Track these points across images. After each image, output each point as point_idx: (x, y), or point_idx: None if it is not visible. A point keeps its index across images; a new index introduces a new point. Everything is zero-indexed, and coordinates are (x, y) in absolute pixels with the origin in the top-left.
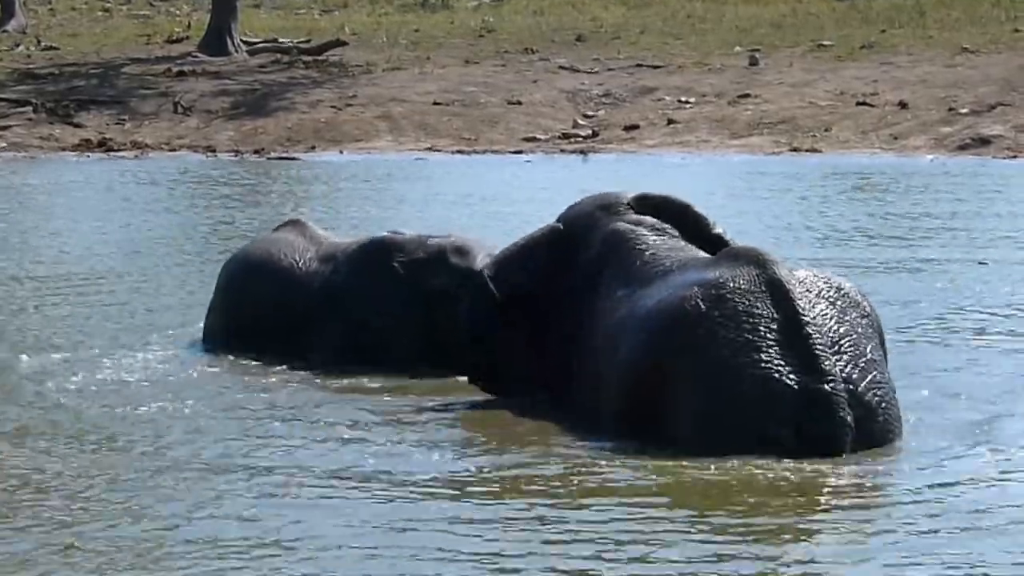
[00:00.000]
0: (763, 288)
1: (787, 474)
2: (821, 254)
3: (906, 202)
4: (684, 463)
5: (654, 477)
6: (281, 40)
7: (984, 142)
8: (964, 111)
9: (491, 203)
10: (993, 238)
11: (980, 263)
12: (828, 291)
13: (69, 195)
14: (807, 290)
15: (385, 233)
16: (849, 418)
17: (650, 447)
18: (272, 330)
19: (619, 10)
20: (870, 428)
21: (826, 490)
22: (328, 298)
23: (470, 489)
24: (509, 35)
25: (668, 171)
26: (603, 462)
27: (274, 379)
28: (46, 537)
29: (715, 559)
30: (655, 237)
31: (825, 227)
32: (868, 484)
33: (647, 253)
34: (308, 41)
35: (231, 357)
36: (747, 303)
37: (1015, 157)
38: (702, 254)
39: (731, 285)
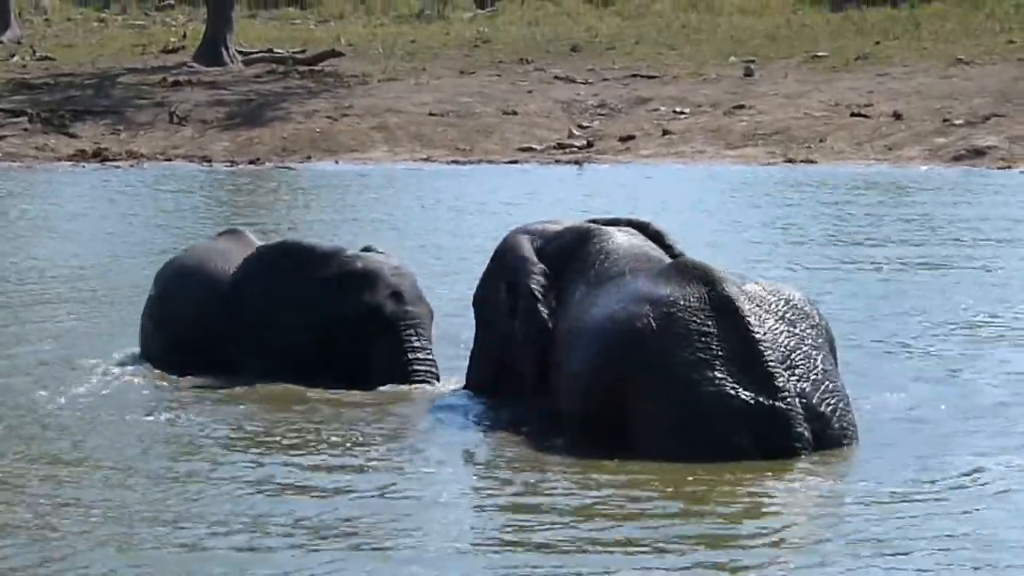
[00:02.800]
0: (714, 306)
1: (744, 479)
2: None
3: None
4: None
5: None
6: (277, 50)
7: (979, 153)
8: (959, 122)
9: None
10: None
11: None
12: (778, 305)
13: (54, 205)
14: (757, 306)
15: (293, 239)
16: (807, 432)
17: (608, 456)
18: (197, 340)
19: (614, 20)
20: (827, 437)
21: (782, 495)
22: (236, 307)
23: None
24: (504, 45)
25: (663, 181)
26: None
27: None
28: None
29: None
30: (615, 237)
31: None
32: (823, 489)
33: (604, 253)
34: (304, 51)
35: (156, 370)
36: (698, 321)
37: (1009, 168)
38: (658, 255)
39: (682, 303)
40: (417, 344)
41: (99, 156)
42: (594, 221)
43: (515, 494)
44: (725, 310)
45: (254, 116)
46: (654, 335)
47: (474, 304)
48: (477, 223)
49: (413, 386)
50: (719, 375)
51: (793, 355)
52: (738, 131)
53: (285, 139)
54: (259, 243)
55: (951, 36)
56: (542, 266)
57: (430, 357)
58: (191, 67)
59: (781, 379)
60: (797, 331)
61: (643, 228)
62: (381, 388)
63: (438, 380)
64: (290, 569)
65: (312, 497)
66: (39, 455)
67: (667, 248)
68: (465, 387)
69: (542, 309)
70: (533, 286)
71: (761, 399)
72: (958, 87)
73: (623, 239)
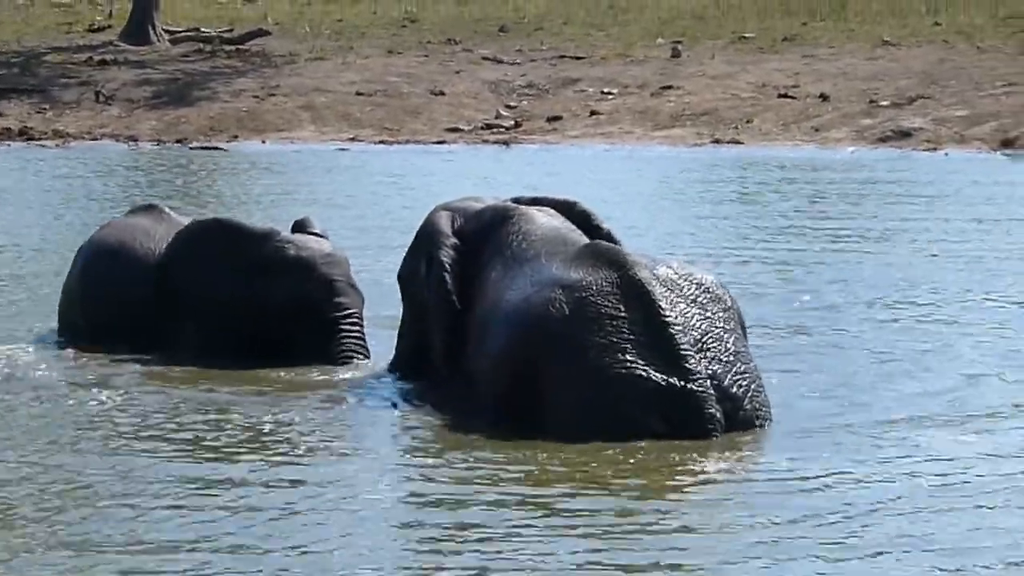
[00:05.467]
0: (625, 290)
1: (656, 457)
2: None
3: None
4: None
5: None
6: (204, 29)
7: (905, 135)
8: (885, 103)
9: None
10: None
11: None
12: (689, 288)
13: None
14: (668, 289)
15: (225, 218)
16: (718, 413)
17: (521, 438)
18: (126, 317)
19: (542, 1)
20: (740, 418)
21: (693, 473)
22: (164, 286)
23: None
24: (432, 25)
25: (590, 162)
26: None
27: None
28: None
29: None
30: (535, 217)
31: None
32: (735, 467)
33: (522, 234)
34: (231, 31)
35: (79, 349)
36: (609, 305)
37: (935, 150)
38: (576, 237)
39: (594, 287)
40: (348, 331)
41: (25, 135)
42: (518, 200)
43: (423, 478)
44: (636, 293)
45: (181, 95)
46: (566, 319)
47: (399, 280)
48: (402, 202)
49: (340, 365)
50: (630, 358)
51: (704, 338)
52: (666, 112)
53: (212, 119)
54: (176, 217)
55: (878, 17)
56: (455, 240)
57: (362, 344)
58: (117, 46)
59: (692, 361)
60: (708, 314)
61: (569, 208)
62: (307, 368)
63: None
64: (198, 562)
65: (221, 483)
66: None
67: (595, 228)
68: (392, 362)
69: (448, 280)
70: (443, 258)
71: (672, 381)
72: (884, 68)
73: (542, 220)
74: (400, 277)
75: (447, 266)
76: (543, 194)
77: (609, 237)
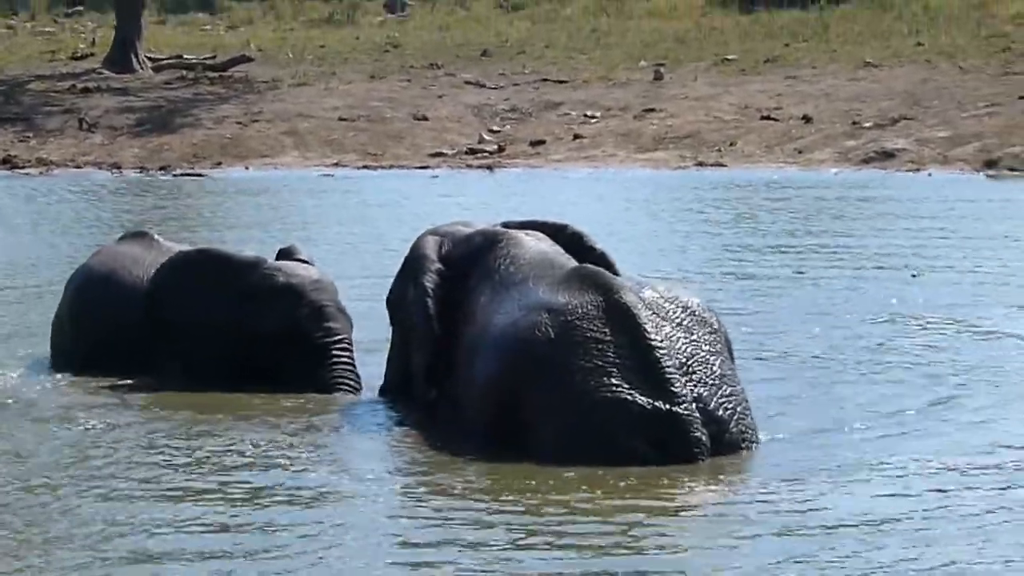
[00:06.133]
0: (611, 313)
1: (643, 481)
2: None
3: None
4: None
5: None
6: (186, 56)
7: (888, 155)
8: (868, 125)
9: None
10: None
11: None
12: (675, 312)
13: None
14: (654, 313)
15: (212, 247)
16: (704, 436)
17: (507, 462)
18: (115, 345)
19: (524, 25)
20: (726, 440)
21: (680, 497)
22: (153, 315)
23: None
24: (414, 50)
25: (574, 186)
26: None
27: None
28: None
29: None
30: (522, 241)
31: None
32: (722, 489)
33: (510, 258)
34: (214, 57)
35: (73, 374)
36: (595, 329)
37: (918, 170)
38: (563, 260)
39: (579, 311)
40: (338, 356)
41: (8, 163)
42: (508, 224)
43: (410, 501)
44: (622, 317)
45: (164, 122)
46: (551, 343)
47: (387, 305)
48: (388, 228)
49: (331, 391)
50: (615, 382)
51: (690, 361)
52: (649, 134)
53: (195, 145)
54: (166, 243)
55: (860, 39)
56: (440, 265)
57: (352, 369)
58: (100, 74)
59: (678, 385)
60: (694, 337)
61: (561, 230)
62: (297, 393)
63: (359, 389)
64: None
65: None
66: None
67: (588, 250)
68: (382, 388)
69: (430, 304)
70: (426, 283)
71: (658, 405)
72: (867, 90)
73: (530, 244)
74: (388, 302)
75: (430, 291)
76: (528, 218)
77: (602, 258)
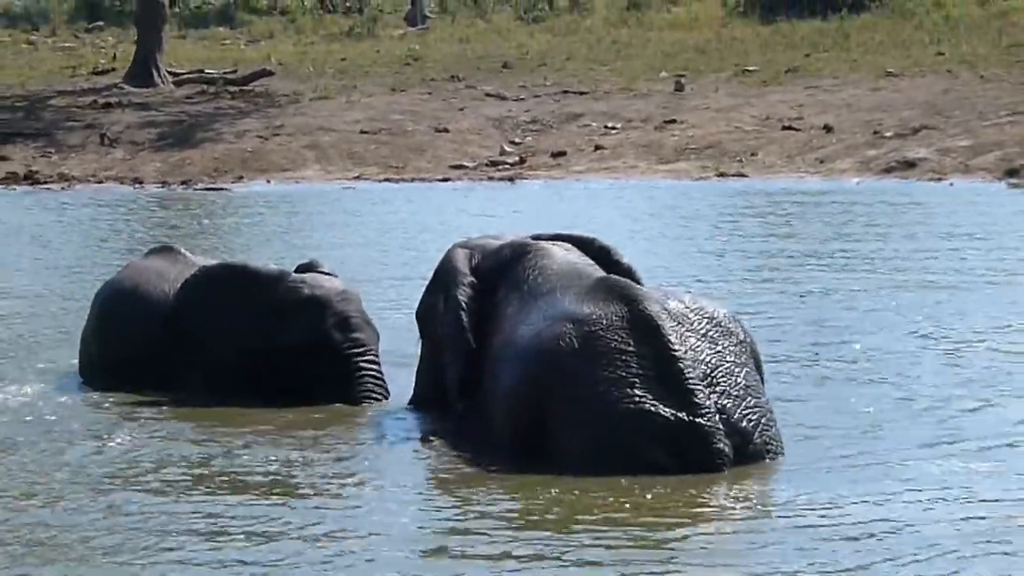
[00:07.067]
0: (635, 324)
1: (667, 492)
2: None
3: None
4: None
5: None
6: (207, 71)
7: (909, 165)
8: (889, 134)
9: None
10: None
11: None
12: (700, 322)
13: None
14: (678, 323)
15: (237, 261)
16: (726, 448)
17: (535, 470)
18: (140, 359)
19: (545, 37)
20: (749, 452)
21: (704, 507)
22: (179, 330)
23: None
24: (435, 63)
25: (596, 197)
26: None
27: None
28: None
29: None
30: (551, 253)
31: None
32: (745, 500)
33: (538, 269)
34: (234, 71)
35: (99, 389)
36: (619, 339)
37: (940, 179)
38: (591, 271)
39: (604, 322)
40: (366, 368)
41: (30, 179)
42: (537, 237)
43: (438, 513)
44: (646, 328)
45: (185, 137)
46: (575, 353)
47: (417, 317)
48: (413, 241)
49: (359, 403)
50: (639, 392)
51: (714, 372)
52: (670, 146)
53: (217, 159)
54: (192, 258)
55: (880, 48)
56: (471, 278)
57: (379, 380)
58: (122, 89)
59: (701, 395)
60: (719, 348)
61: (589, 243)
62: (326, 406)
63: (387, 399)
64: None
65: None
66: None
67: (615, 264)
68: (411, 401)
69: (463, 318)
70: (459, 296)
71: (680, 415)
72: (888, 99)
73: (559, 255)
74: (418, 315)
75: (463, 304)
76: (548, 231)
77: (629, 272)
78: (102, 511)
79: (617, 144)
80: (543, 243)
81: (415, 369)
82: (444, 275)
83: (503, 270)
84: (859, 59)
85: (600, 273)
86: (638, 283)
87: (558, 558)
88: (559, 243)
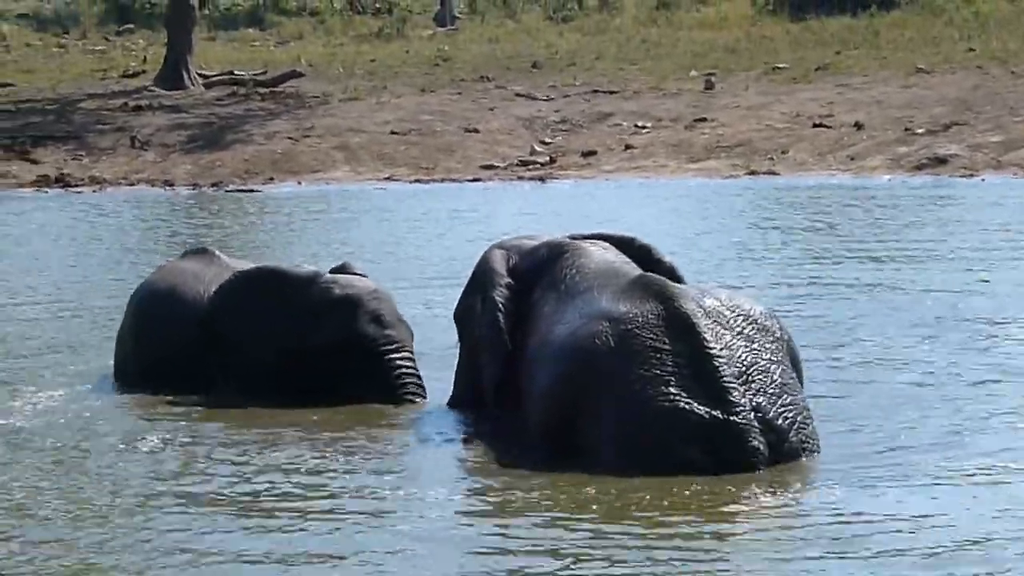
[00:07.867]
0: (670, 322)
1: (702, 490)
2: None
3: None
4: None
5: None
6: (237, 72)
7: (941, 161)
8: (920, 131)
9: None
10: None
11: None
12: (736, 320)
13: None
14: (714, 321)
15: (271, 264)
16: (761, 446)
17: (572, 468)
18: (176, 360)
19: (574, 36)
20: (784, 450)
21: (739, 505)
22: (214, 332)
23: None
24: (464, 63)
25: (627, 195)
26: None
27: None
28: None
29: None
30: (588, 252)
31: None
32: (780, 498)
33: (575, 268)
34: (264, 73)
35: (136, 390)
36: (654, 337)
37: (971, 176)
38: (628, 270)
39: (639, 320)
40: (402, 367)
41: (61, 182)
42: (575, 237)
43: (474, 512)
44: (682, 326)
45: (216, 139)
46: (610, 352)
47: (455, 319)
48: (446, 241)
49: (398, 404)
50: (674, 390)
51: (750, 369)
52: (700, 144)
53: (247, 161)
54: (227, 260)
55: (911, 45)
56: (508, 279)
57: (416, 378)
58: (152, 91)
59: (736, 393)
60: (755, 345)
61: (629, 243)
62: (364, 405)
63: (425, 398)
64: None
65: (287, 516)
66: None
67: (657, 263)
68: (449, 402)
69: (501, 319)
70: (497, 297)
71: (715, 414)
72: (919, 96)
73: (596, 254)
74: (456, 317)
75: (501, 305)
76: (578, 230)
77: (671, 271)
78: (135, 513)
79: (647, 143)
80: (580, 242)
81: (453, 369)
82: (481, 276)
83: (540, 270)
84: (889, 56)
85: (637, 272)
86: (680, 282)
87: (600, 558)
88: (597, 242)
